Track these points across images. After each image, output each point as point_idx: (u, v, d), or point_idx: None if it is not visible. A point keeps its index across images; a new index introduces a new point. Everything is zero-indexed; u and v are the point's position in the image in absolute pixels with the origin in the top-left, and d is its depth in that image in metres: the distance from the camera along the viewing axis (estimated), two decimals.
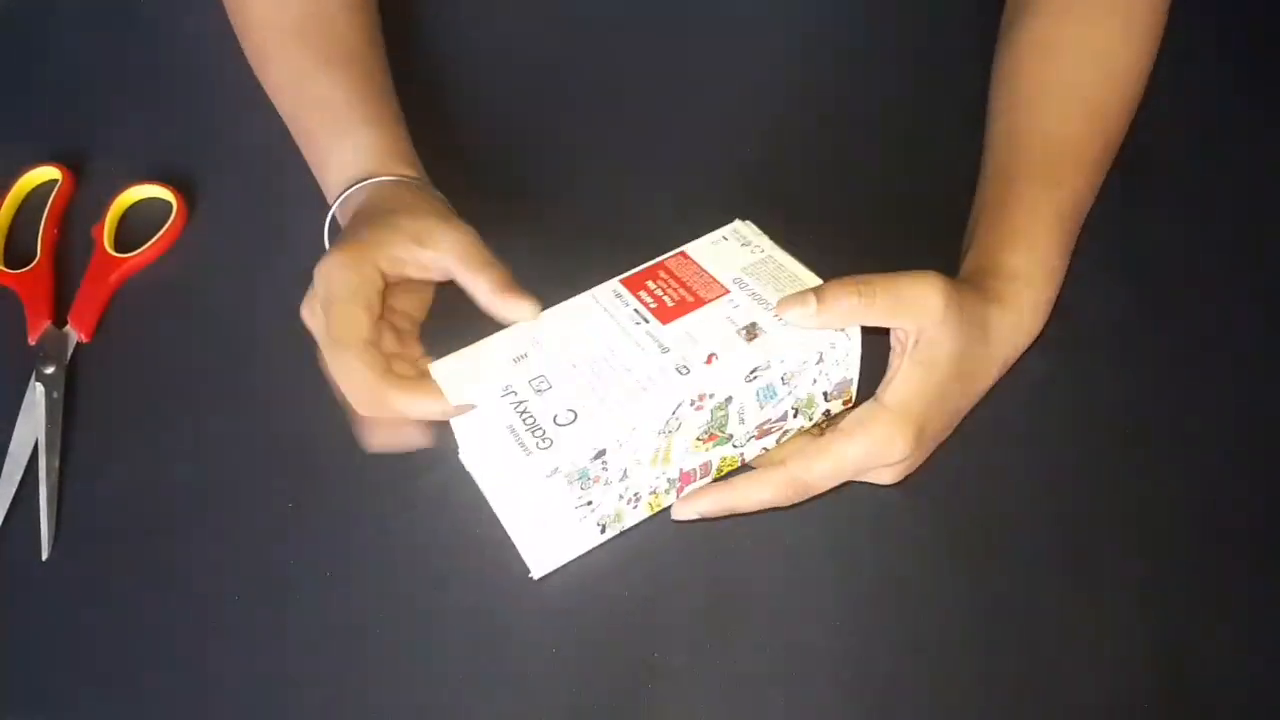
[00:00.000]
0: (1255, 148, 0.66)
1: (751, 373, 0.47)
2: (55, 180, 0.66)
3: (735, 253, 0.52)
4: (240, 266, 0.63)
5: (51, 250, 0.64)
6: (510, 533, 0.50)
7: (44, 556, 0.54)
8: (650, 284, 0.50)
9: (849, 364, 0.50)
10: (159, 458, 0.57)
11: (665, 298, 0.50)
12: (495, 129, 0.68)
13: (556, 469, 0.44)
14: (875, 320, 0.47)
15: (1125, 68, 0.58)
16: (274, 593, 0.52)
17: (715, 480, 0.50)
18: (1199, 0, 0.69)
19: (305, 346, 0.59)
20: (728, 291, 0.49)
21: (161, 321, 0.62)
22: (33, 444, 0.57)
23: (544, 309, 0.50)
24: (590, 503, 0.47)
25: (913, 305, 0.47)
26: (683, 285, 0.50)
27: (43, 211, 0.65)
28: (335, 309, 0.47)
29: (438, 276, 0.51)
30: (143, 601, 0.53)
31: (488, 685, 0.50)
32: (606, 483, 0.46)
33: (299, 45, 0.60)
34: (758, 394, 0.48)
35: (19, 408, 0.58)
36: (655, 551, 0.53)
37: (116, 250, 0.63)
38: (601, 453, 0.45)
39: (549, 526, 0.47)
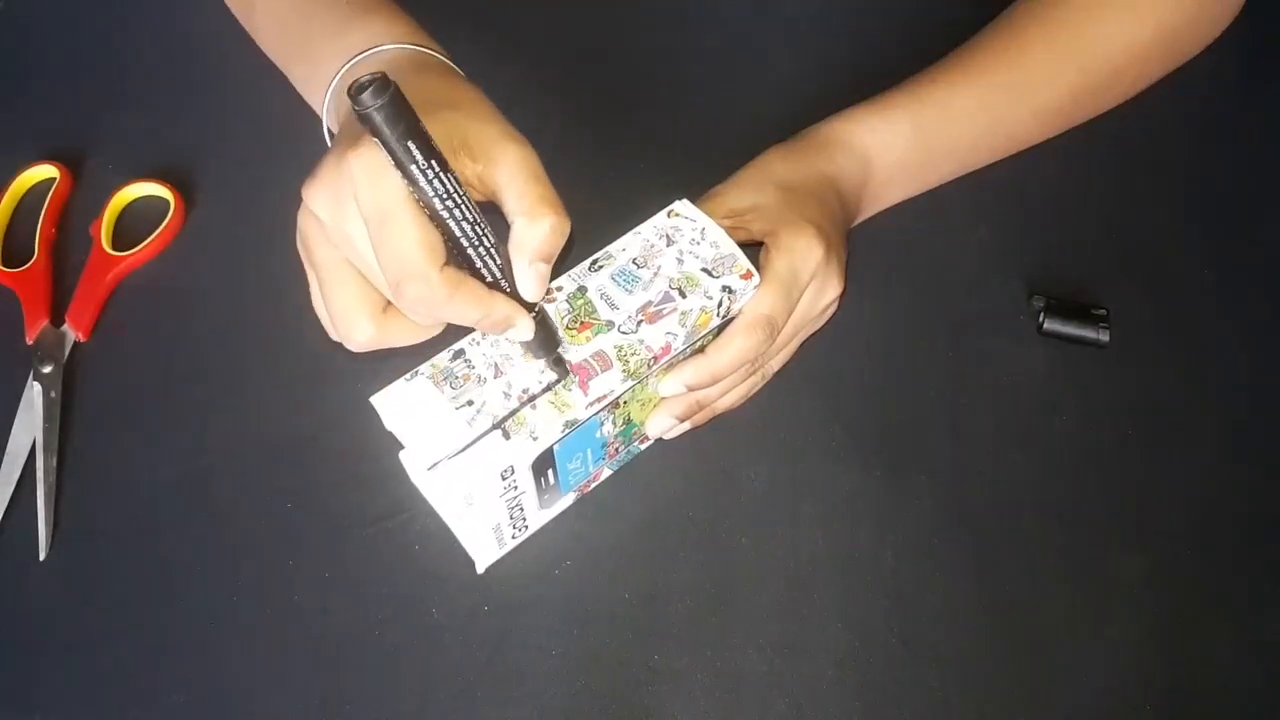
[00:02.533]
0: (1256, 147, 0.66)
1: (593, 263, 0.49)
2: (53, 179, 0.66)
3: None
4: (238, 264, 0.63)
5: (49, 249, 0.64)
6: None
7: (41, 556, 0.54)
8: None
9: (717, 241, 0.50)
10: (157, 457, 0.56)
11: None
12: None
13: (417, 373, 0.46)
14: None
15: (1116, 33, 0.59)
16: (273, 593, 0.52)
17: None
18: None
19: (304, 345, 0.59)
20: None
21: (159, 320, 0.62)
22: (30, 444, 0.57)
23: None
24: (471, 402, 0.46)
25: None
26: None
27: (40, 210, 0.65)
28: (400, 225, 0.39)
29: (477, 195, 0.43)
30: (140, 602, 0.52)
31: (488, 687, 0.50)
32: (480, 380, 0.46)
33: None
34: (614, 279, 0.49)
35: (16, 407, 0.58)
36: (655, 553, 0.53)
37: (114, 249, 0.63)
38: (460, 353, 0.47)
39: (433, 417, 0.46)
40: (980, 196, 0.62)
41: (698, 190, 0.54)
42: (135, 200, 0.66)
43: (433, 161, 0.37)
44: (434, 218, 0.39)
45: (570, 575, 0.52)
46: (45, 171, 0.67)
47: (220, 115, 0.70)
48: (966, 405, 0.57)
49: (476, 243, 0.41)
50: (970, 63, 0.59)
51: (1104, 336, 0.57)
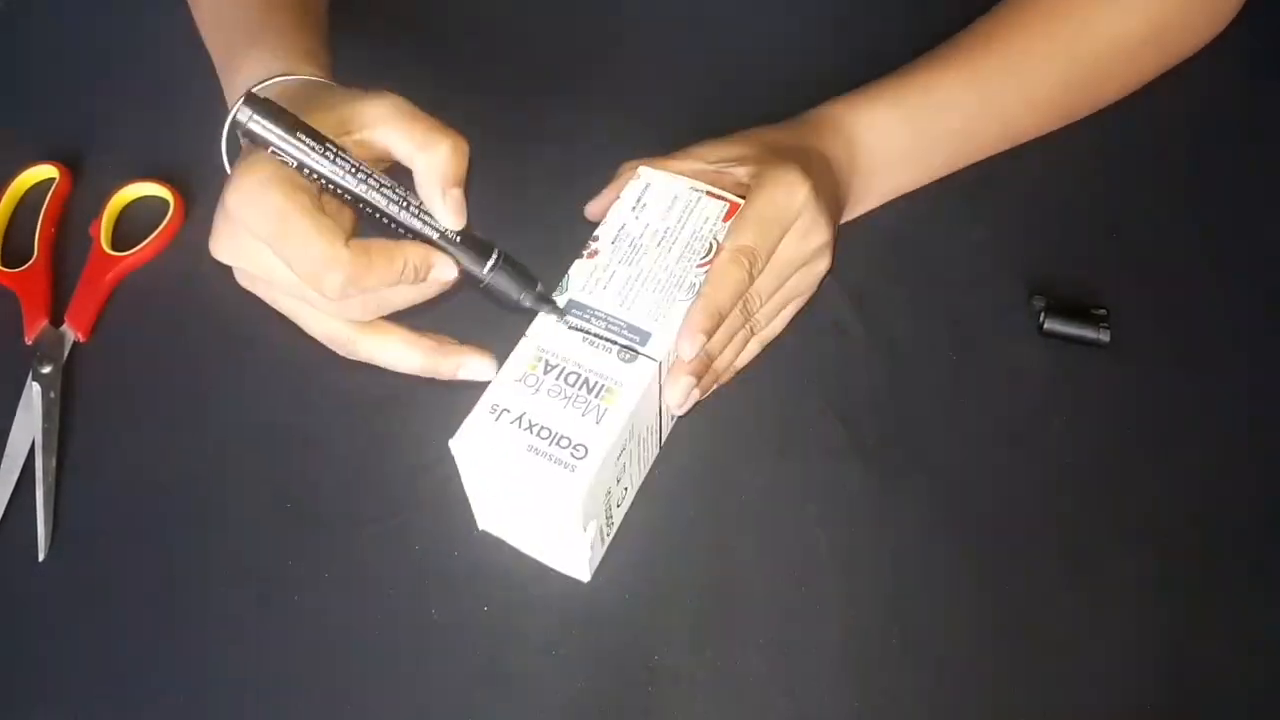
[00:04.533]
0: (1256, 147, 0.66)
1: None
2: (52, 179, 0.66)
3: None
4: None
5: (49, 249, 0.64)
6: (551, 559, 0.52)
7: (41, 557, 0.54)
8: None
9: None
10: (156, 457, 0.56)
11: None
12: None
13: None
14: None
15: (1101, 29, 0.60)
16: (273, 593, 0.52)
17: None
18: None
19: (304, 345, 0.59)
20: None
21: (159, 320, 0.61)
22: (29, 444, 0.57)
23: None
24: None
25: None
26: None
27: (40, 210, 0.65)
28: (295, 225, 0.42)
29: (378, 164, 0.45)
30: (140, 602, 0.52)
31: (487, 687, 0.50)
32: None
33: None
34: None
35: (15, 407, 0.58)
36: (655, 553, 0.53)
37: (114, 248, 0.63)
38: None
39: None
40: (980, 196, 0.62)
41: None
42: (135, 200, 0.66)
43: (318, 144, 0.42)
44: (343, 197, 0.43)
45: (570, 575, 0.52)
46: (45, 171, 0.67)
47: (220, 115, 0.69)
48: (966, 405, 0.57)
49: (396, 200, 0.44)
50: (956, 48, 0.59)
51: (1104, 336, 0.57)
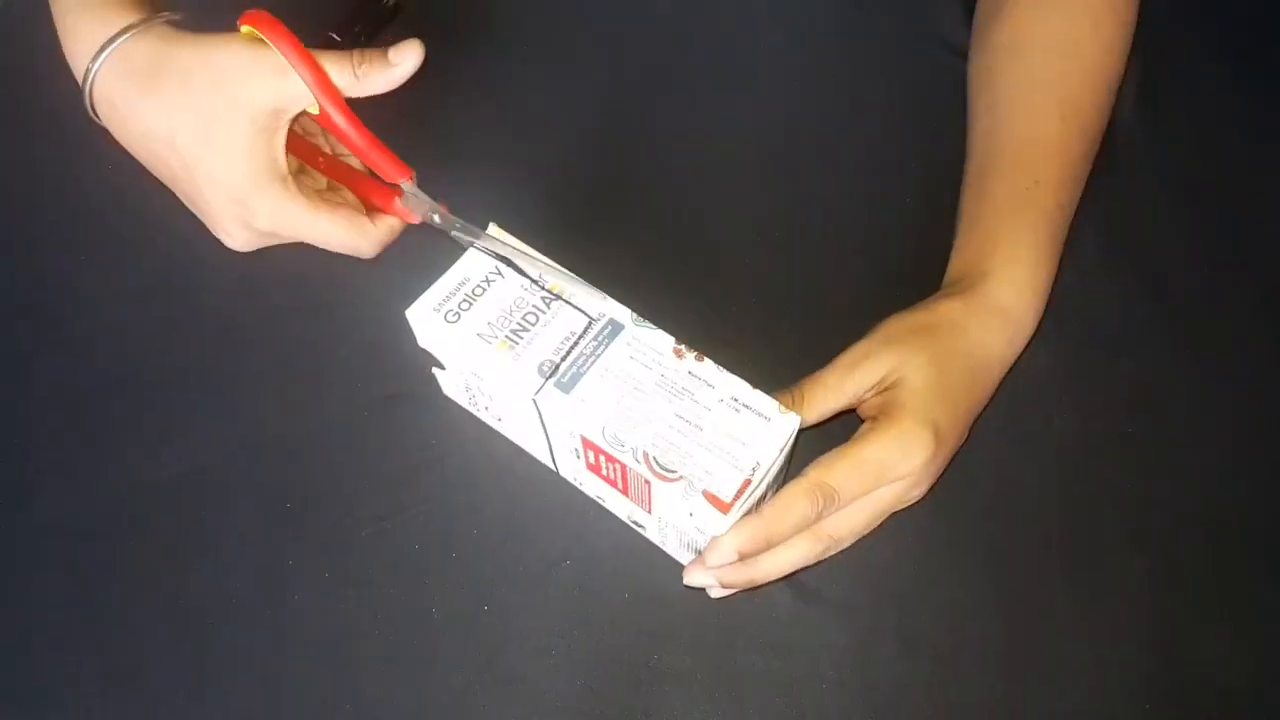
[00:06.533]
0: (1256, 145, 0.66)
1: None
2: None
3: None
4: (234, 264, 0.63)
5: None
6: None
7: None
8: None
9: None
10: (155, 457, 0.56)
11: None
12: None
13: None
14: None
15: (1095, 61, 0.58)
16: (272, 593, 0.52)
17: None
18: (1199, 1, 0.69)
19: (303, 345, 0.59)
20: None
21: (156, 320, 0.61)
22: None
23: None
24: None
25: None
26: None
27: None
28: (308, 230, 0.52)
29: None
30: (139, 602, 0.52)
31: (487, 688, 0.50)
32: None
33: None
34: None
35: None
36: (655, 553, 0.53)
37: None
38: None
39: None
40: None
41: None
42: None
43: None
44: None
45: (570, 575, 0.52)
46: None
47: None
48: None
49: None
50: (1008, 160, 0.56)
51: None
